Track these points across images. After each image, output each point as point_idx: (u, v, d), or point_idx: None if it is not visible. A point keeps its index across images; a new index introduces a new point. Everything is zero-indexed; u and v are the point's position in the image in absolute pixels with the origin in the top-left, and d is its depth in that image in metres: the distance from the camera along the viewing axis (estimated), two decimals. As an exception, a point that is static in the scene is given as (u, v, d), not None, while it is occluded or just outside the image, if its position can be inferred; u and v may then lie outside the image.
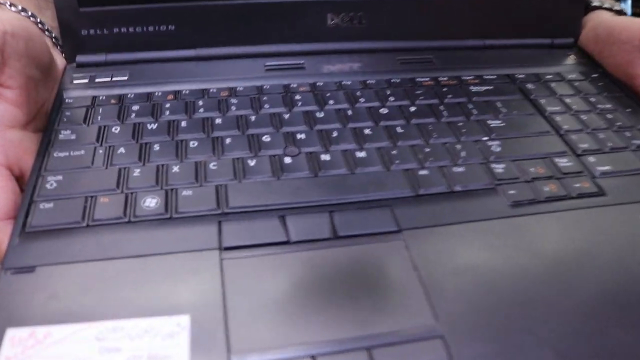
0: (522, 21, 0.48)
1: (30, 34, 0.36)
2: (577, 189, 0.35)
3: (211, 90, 0.41)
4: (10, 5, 0.39)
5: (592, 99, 0.43)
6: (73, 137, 0.36)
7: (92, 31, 0.42)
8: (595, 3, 0.50)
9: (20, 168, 0.34)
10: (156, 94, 0.40)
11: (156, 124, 0.38)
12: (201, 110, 0.39)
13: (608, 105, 0.43)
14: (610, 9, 0.50)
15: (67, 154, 0.35)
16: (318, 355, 0.25)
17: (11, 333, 0.26)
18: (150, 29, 0.43)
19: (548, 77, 0.45)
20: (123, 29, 0.42)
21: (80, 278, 0.28)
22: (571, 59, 0.48)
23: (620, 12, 0.50)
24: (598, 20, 0.48)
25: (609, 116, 0.42)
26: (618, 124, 0.41)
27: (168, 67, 0.43)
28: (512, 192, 0.34)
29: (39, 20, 0.40)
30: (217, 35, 0.44)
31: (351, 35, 0.45)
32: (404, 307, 0.28)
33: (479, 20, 0.47)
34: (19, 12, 0.39)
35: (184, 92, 0.41)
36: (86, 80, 0.41)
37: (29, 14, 0.39)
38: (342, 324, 0.27)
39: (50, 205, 0.32)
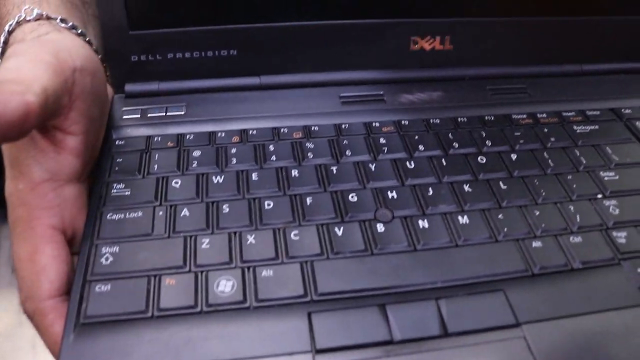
0: (623, 41, 0.42)
1: (95, 68, 0.31)
2: None
3: (282, 130, 0.36)
4: (61, 20, 0.33)
5: None
6: (127, 192, 0.31)
7: (143, 56, 0.37)
8: None
9: (73, 228, 0.30)
10: (219, 134, 0.35)
11: (223, 176, 0.33)
12: (273, 157, 0.34)
13: None
14: None
15: (122, 216, 0.30)
16: None
17: None
18: (209, 54, 0.37)
19: (658, 111, 0.40)
20: (178, 54, 0.37)
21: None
22: (681, 87, 0.42)
23: None
24: None
25: None
26: None
27: (229, 98, 0.38)
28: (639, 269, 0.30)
29: (87, 39, 0.34)
30: (284, 60, 0.38)
31: (436, 62, 0.39)
32: None
33: (576, 43, 0.41)
34: (70, 29, 0.33)
35: (251, 132, 0.36)
36: (138, 116, 0.36)
37: (79, 31, 0.34)
38: None
39: (107, 287, 0.27)
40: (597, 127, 0.38)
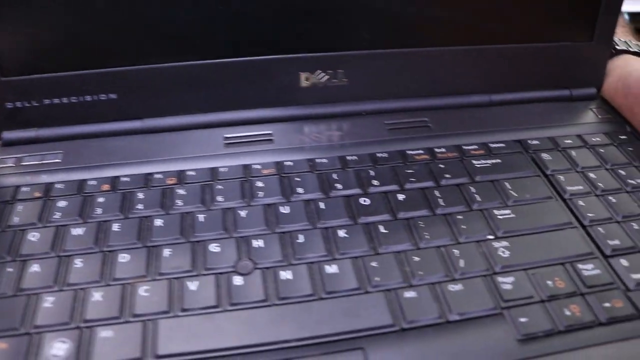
0: (534, 70, 0.40)
1: None
2: (608, 310, 0.28)
3: (156, 176, 0.34)
4: None
5: (622, 172, 0.35)
6: (-18, 247, 0.30)
7: (19, 103, 0.35)
8: (621, 46, 0.42)
9: None
10: (89, 182, 0.33)
11: (83, 228, 0.31)
12: (140, 206, 0.32)
13: (641, 180, 0.35)
14: (638, 54, 0.42)
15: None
16: None
17: None
18: (88, 98, 0.36)
19: (567, 142, 0.37)
20: (55, 100, 0.36)
21: None
22: (593, 115, 0.40)
23: (652, 58, 0.42)
24: (628, 69, 0.40)
25: (644, 196, 0.34)
26: (655, 206, 0.33)
27: (110, 143, 0.36)
28: (522, 319, 0.27)
29: None
30: (167, 102, 0.37)
31: (329, 97, 0.38)
32: None
33: (483, 72, 0.39)
34: None
35: (122, 179, 0.34)
36: (11, 164, 0.35)
37: None
38: None
39: None
40: (499, 160, 0.36)
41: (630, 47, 0.42)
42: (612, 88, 0.41)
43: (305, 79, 0.37)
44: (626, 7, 0.51)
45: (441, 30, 0.38)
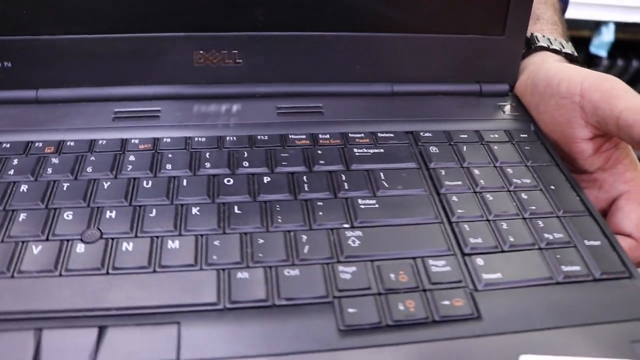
0: (443, 62, 0.39)
1: None
2: (445, 308, 0.27)
3: (36, 144, 0.34)
4: None
5: (510, 171, 0.34)
6: None
7: None
8: (542, 42, 0.41)
9: None
10: (-33, 145, 0.34)
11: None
12: (10, 172, 0.32)
13: (527, 181, 0.34)
14: (558, 52, 0.40)
15: None
16: None
17: None
18: (-18, 64, 0.36)
19: (462, 136, 0.37)
20: (-51, 65, 0.36)
21: None
22: (501, 113, 0.39)
23: (571, 57, 0.40)
24: (538, 66, 0.39)
25: (524, 196, 0.33)
26: (532, 207, 0.32)
27: (3, 111, 0.37)
28: (351, 310, 0.26)
29: None
30: (62, 74, 0.37)
31: (223, 78, 0.37)
32: None
33: (386, 60, 0.39)
34: None
35: (4, 145, 0.34)
36: None
37: None
38: None
39: None
40: (382, 150, 0.35)
41: (551, 44, 0.41)
42: (522, 85, 0.39)
43: (199, 59, 0.37)
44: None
45: (342, 15, 0.37)
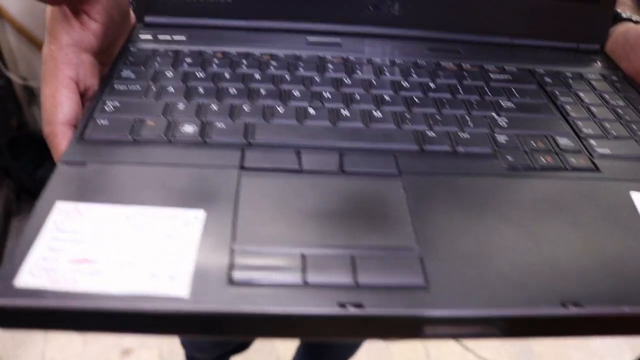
0: (550, 24, 0.52)
1: None
2: (573, 163, 0.38)
3: (255, 54, 0.46)
4: None
5: (606, 96, 0.46)
6: (132, 76, 0.42)
7: (160, -4, 0.49)
8: (625, 15, 0.53)
9: (85, 86, 0.40)
10: (207, 52, 0.46)
11: (204, 73, 0.43)
12: (244, 67, 0.44)
13: (620, 103, 0.45)
14: (638, 23, 0.53)
15: (125, 87, 0.41)
16: (308, 254, 0.30)
17: (60, 205, 0.31)
18: (210, -1, 0.49)
19: (567, 74, 0.48)
20: (187, -4, 0.49)
21: (121, 175, 0.34)
22: (594, 64, 0.51)
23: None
24: (627, 28, 0.51)
25: (619, 111, 0.44)
26: (627, 117, 0.44)
27: (221, 33, 0.49)
28: (510, 158, 0.38)
29: None
30: (267, 9, 0.49)
31: (387, 22, 0.50)
32: (391, 231, 0.32)
33: (508, 19, 0.51)
34: None
35: (231, 52, 0.46)
36: (150, 37, 0.48)
37: None
38: (334, 235, 0.31)
39: (105, 122, 0.37)
40: (510, 77, 0.47)
41: (632, 18, 0.53)
42: (612, 44, 0.52)
43: (370, 6, 0.50)
44: None
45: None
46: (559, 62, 0.50)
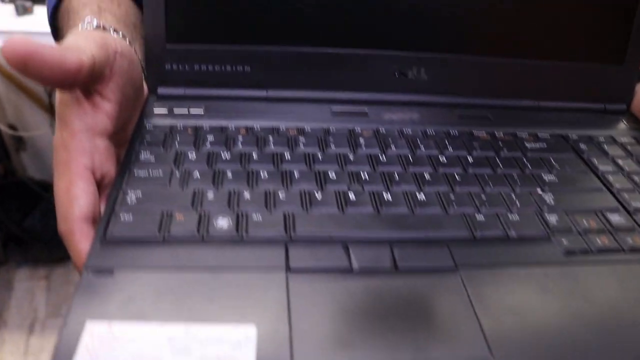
0: (576, 85, 0.50)
1: (132, 58, 0.40)
2: (630, 244, 0.36)
3: (281, 129, 0.44)
4: (114, 31, 0.43)
5: (644, 163, 0.45)
6: (152, 159, 0.39)
7: (175, 66, 0.46)
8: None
9: (101, 173, 0.37)
10: (230, 127, 0.43)
11: (229, 154, 0.40)
12: (272, 145, 0.42)
13: (658, 169, 0.44)
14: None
15: (146, 173, 0.38)
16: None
17: (91, 326, 0.28)
18: (228, 68, 0.46)
19: (600, 139, 0.47)
20: (203, 67, 0.46)
21: (155, 284, 0.30)
22: (623, 124, 0.50)
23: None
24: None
25: (660, 179, 0.43)
26: (668, 186, 0.42)
27: (240, 105, 0.46)
28: (565, 242, 0.36)
29: (134, 48, 0.44)
30: (288, 78, 0.47)
31: (414, 89, 0.48)
32: (460, 338, 0.29)
33: (534, 82, 0.49)
34: (121, 38, 0.43)
35: (255, 128, 0.44)
36: (166, 111, 0.45)
37: (127, 41, 0.43)
38: (399, 348, 0.28)
39: (129, 217, 0.34)
40: (545, 145, 0.45)
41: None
42: (638, 101, 0.50)
43: (396, 73, 0.47)
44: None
45: (504, 43, 0.48)
46: (588, 125, 0.49)
